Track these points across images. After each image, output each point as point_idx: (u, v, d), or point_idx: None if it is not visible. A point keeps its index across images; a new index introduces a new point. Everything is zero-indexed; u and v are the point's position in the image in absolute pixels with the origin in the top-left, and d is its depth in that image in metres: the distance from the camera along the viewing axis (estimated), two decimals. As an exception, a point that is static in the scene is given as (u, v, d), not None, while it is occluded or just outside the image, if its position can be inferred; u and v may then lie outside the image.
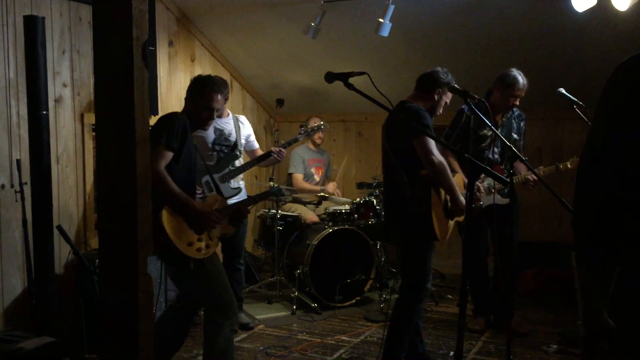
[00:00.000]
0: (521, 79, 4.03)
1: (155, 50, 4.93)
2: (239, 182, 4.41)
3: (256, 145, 4.64)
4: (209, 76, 3.27)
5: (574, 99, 3.48)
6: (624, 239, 1.28)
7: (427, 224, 3.29)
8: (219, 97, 3.22)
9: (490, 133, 4.13)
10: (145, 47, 5.18)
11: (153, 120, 4.83)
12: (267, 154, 4.44)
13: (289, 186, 5.62)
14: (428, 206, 3.29)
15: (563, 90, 3.55)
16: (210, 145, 4.25)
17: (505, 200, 4.13)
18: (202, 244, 3.03)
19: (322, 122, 5.05)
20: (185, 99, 3.23)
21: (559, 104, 3.74)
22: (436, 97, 3.45)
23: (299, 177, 5.63)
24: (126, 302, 2.05)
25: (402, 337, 3.39)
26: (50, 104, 4.00)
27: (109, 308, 2.14)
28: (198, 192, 3.68)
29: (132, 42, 1.98)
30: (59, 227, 2.84)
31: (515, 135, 4.24)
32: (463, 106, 4.09)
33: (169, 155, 2.91)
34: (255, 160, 4.44)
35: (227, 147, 4.35)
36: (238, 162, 4.38)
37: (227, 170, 4.26)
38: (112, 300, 2.12)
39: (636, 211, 1.26)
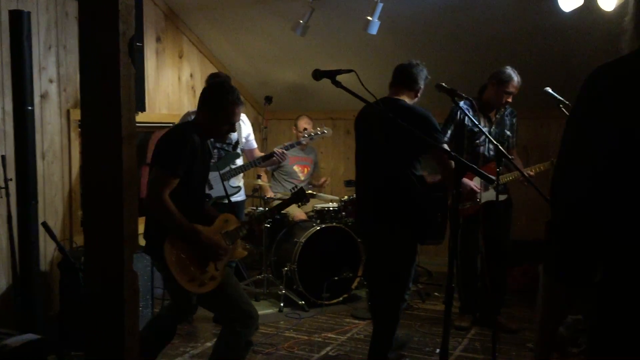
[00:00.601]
0: (515, 76, 4.10)
1: (142, 47, 4.89)
2: (239, 180, 4.42)
3: (254, 144, 4.64)
4: (228, 86, 3.05)
5: (560, 98, 3.51)
6: (607, 250, 1.28)
7: (440, 232, 3.33)
8: (239, 109, 3.03)
9: (490, 130, 4.20)
10: (132, 43, 5.16)
11: (141, 117, 4.86)
12: (270, 155, 4.45)
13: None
14: (446, 214, 3.30)
15: (549, 90, 3.57)
16: (212, 143, 4.21)
17: (504, 196, 4.19)
18: (207, 277, 2.88)
19: (325, 129, 4.99)
20: (201, 108, 3.01)
21: (545, 103, 3.76)
22: (419, 95, 3.47)
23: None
24: (111, 299, 2.03)
25: (392, 336, 3.39)
26: (36, 99, 3.97)
27: (94, 305, 2.13)
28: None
29: (119, 38, 1.96)
30: (44, 224, 2.82)
31: (508, 132, 4.29)
32: (462, 102, 4.11)
33: (175, 182, 2.79)
34: (259, 160, 4.44)
35: (229, 145, 4.36)
36: (239, 161, 4.38)
37: (227, 168, 4.25)
38: (98, 296, 2.10)
39: (614, 223, 1.26)
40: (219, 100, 2.95)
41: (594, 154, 1.27)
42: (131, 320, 2.04)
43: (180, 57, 5.51)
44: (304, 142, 4.93)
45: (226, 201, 3.89)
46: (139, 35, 4.85)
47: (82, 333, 2.22)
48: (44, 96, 4.10)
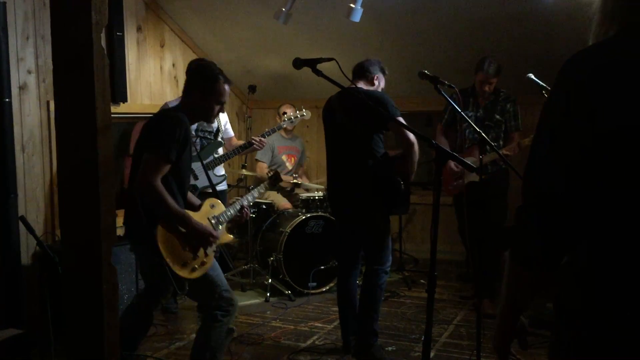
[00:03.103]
0: (486, 66, 4.22)
1: (123, 36, 4.84)
2: (223, 169, 4.42)
3: (231, 133, 4.64)
4: (215, 66, 3.03)
5: (543, 84, 3.51)
6: (574, 237, 1.28)
7: (407, 199, 3.62)
8: (228, 87, 3.01)
9: (470, 114, 4.39)
10: (112, 32, 5.09)
11: (123, 108, 4.81)
12: (249, 144, 4.45)
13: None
14: (408, 183, 3.56)
15: (532, 76, 3.58)
16: (193, 132, 4.21)
17: (476, 177, 4.25)
18: (197, 262, 2.87)
19: (304, 111, 5.01)
20: (189, 89, 2.97)
21: (528, 89, 3.76)
22: (376, 83, 3.71)
23: (262, 165, 5.58)
24: (90, 293, 2.01)
25: (374, 319, 3.54)
26: (15, 91, 3.91)
27: (74, 299, 2.11)
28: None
29: (92, 28, 1.92)
30: (22, 218, 2.78)
31: (498, 117, 4.40)
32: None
33: (167, 168, 2.73)
34: (239, 149, 4.46)
35: (210, 134, 4.35)
36: (220, 150, 4.37)
37: (211, 157, 4.24)
38: (76, 291, 2.08)
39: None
40: (209, 80, 2.92)
41: (566, 143, 1.27)
42: (110, 313, 2.03)
43: (162, 46, 5.45)
44: (284, 126, 4.93)
45: (211, 190, 3.86)
46: (119, 25, 4.79)
47: (65, 327, 2.20)
48: (22, 87, 4.03)
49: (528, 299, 1.38)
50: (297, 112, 4.96)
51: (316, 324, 4.23)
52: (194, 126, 4.18)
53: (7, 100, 3.50)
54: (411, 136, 3.46)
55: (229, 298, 2.99)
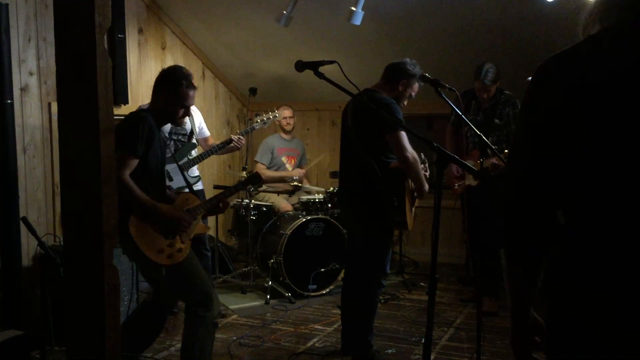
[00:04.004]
0: (483, 74, 4.27)
1: (124, 38, 4.85)
2: (197, 170, 4.44)
3: (207, 133, 4.65)
4: (181, 71, 3.15)
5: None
6: (553, 231, 1.31)
7: (400, 216, 3.40)
8: (193, 92, 3.14)
9: (471, 117, 4.38)
10: (114, 34, 5.11)
11: (124, 110, 4.81)
12: (228, 141, 4.46)
13: None
14: (403, 199, 3.38)
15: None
16: (167, 134, 4.28)
17: (474, 182, 4.28)
18: (174, 249, 2.96)
19: (277, 112, 5.02)
20: (155, 94, 3.13)
21: (520, 92, 3.77)
22: (400, 88, 3.52)
23: (260, 166, 5.59)
24: (92, 294, 2.02)
25: (369, 321, 3.56)
26: (16, 92, 3.92)
27: (75, 300, 2.11)
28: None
29: (95, 30, 1.93)
30: (24, 219, 2.78)
31: (497, 121, 4.40)
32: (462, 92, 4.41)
33: (135, 162, 2.87)
34: (215, 148, 4.45)
35: (184, 136, 4.38)
36: (194, 152, 4.39)
37: (185, 159, 4.28)
38: (78, 292, 2.08)
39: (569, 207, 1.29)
40: (173, 84, 3.06)
41: (542, 141, 1.29)
42: (112, 315, 2.03)
43: (163, 48, 5.46)
44: (257, 127, 4.91)
45: (187, 190, 3.88)
46: (120, 27, 4.80)
47: (65, 328, 2.20)
48: (24, 89, 4.04)
49: (527, 293, 1.40)
50: (270, 113, 4.96)
51: (316, 327, 4.24)
52: (168, 128, 4.23)
53: (8, 101, 3.51)
54: (407, 154, 3.30)
55: (208, 292, 3.04)
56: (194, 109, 4.50)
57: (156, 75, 3.17)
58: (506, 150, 4.26)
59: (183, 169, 4.18)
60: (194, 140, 4.41)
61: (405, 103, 3.61)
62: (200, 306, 3.01)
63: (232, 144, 4.46)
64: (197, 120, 4.53)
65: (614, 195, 1.21)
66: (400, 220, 3.43)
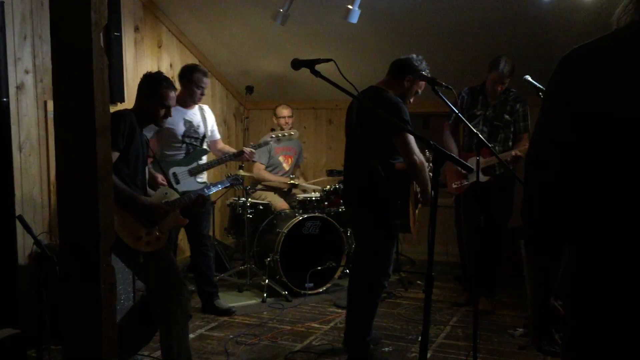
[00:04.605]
0: (502, 65, 4.24)
1: (120, 36, 4.84)
2: (204, 176, 4.41)
3: (218, 136, 4.63)
4: (161, 74, 3.33)
5: (540, 86, 3.52)
6: (575, 229, 1.30)
7: (404, 217, 3.39)
8: (173, 94, 3.28)
9: (479, 113, 4.37)
10: (110, 32, 5.09)
11: (120, 108, 4.79)
12: (239, 153, 4.46)
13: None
14: (407, 201, 3.36)
15: (529, 78, 3.59)
16: (180, 137, 4.25)
17: (485, 178, 4.25)
18: (152, 237, 3.08)
19: (292, 131, 5.01)
20: (137, 95, 3.28)
21: (525, 91, 3.78)
22: (406, 85, 3.47)
23: (259, 166, 5.58)
24: (88, 293, 2.01)
25: (366, 321, 3.53)
26: (12, 90, 3.90)
27: (71, 299, 2.11)
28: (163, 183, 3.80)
29: (91, 28, 1.92)
30: (20, 217, 2.78)
31: (507, 117, 4.38)
32: (464, 90, 4.46)
33: (115, 155, 2.95)
34: (227, 158, 4.48)
35: (196, 140, 4.34)
36: (205, 158, 4.37)
37: (195, 164, 4.26)
38: (74, 291, 2.08)
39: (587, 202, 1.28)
40: (153, 85, 3.22)
41: (563, 137, 1.28)
42: (108, 313, 2.02)
43: (160, 46, 5.45)
44: (270, 142, 4.91)
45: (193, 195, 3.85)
46: (116, 25, 4.78)
47: (61, 327, 2.19)
48: (19, 87, 4.03)
49: (547, 285, 1.40)
50: (285, 131, 4.97)
51: (313, 325, 4.24)
52: (182, 131, 4.23)
53: (4, 100, 3.49)
54: (414, 157, 3.22)
55: (179, 285, 3.12)
56: (207, 110, 4.50)
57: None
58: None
59: (191, 173, 4.22)
60: (205, 146, 4.40)
61: (412, 100, 3.59)
62: (170, 300, 3.08)
63: (243, 156, 4.47)
64: (210, 123, 4.49)
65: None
66: (403, 223, 3.40)
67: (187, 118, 4.29)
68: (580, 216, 1.29)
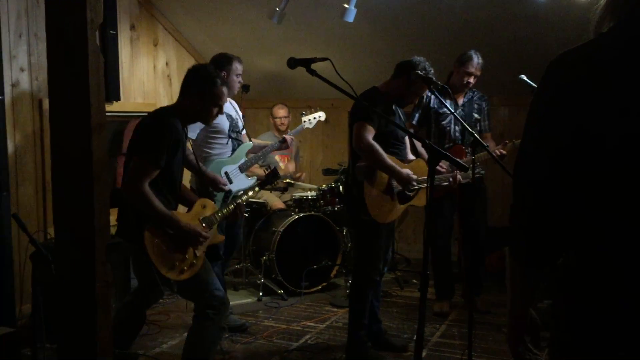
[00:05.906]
0: (476, 57, 4.22)
1: (116, 34, 4.83)
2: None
3: (244, 129, 4.49)
4: (213, 69, 3.05)
5: (535, 85, 3.54)
6: (566, 234, 1.29)
7: (361, 206, 3.36)
8: (227, 91, 3.05)
9: (456, 112, 4.28)
10: (105, 30, 5.07)
11: (116, 106, 4.80)
12: (282, 140, 4.33)
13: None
14: (361, 190, 3.37)
15: (524, 77, 3.60)
16: (227, 133, 4.00)
17: (467, 177, 4.23)
18: (186, 264, 2.88)
19: (320, 112, 4.80)
20: (186, 92, 2.97)
21: (520, 90, 3.79)
22: (404, 85, 3.48)
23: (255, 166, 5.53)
24: (83, 291, 2.01)
25: (358, 318, 3.53)
26: (7, 88, 3.90)
27: (66, 297, 2.11)
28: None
29: (87, 26, 1.92)
30: (15, 216, 2.76)
31: (476, 115, 4.38)
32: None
33: (155, 173, 2.74)
34: (272, 147, 4.29)
35: (238, 134, 4.12)
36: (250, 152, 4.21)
37: (243, 160, 4.07)
38: (70, 289, 2.08)
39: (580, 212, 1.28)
40: (207, 83, 2.93)
41: (550, 141, 1.28)
42: (104, 312, 2.02)
43: (155, 45, 5.44)
44: (305, 127, 4.71)
45: (245, 196, 3.56)
46: (112, 23, 4.78)
47: (56, 325, 2.19)
48: (15, 85, 4.02)
49: (529, 293, 1.39)
50: (315, 113, 4.76)
51: (308, 324, 4.24)
52: (227, 127, 3.98)
53: (0, 97, 3.49)
54: (361, 144, 3.27)
55: (220, 297, 2.98)
56: (233, 102, 4.24)
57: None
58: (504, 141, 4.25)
59: (242, 169, 4.02)
60: (248, 141, 4.18)
61: (412, 101, 3.62)
62: (212, 309, 2.94)
63: (285, 144, 4.31)
64: (240, 115, 4.27)
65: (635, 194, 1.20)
66: (362, 212, 3.37)
67: (227, 112, 3.96)
68: (573, 221, 1.28)
